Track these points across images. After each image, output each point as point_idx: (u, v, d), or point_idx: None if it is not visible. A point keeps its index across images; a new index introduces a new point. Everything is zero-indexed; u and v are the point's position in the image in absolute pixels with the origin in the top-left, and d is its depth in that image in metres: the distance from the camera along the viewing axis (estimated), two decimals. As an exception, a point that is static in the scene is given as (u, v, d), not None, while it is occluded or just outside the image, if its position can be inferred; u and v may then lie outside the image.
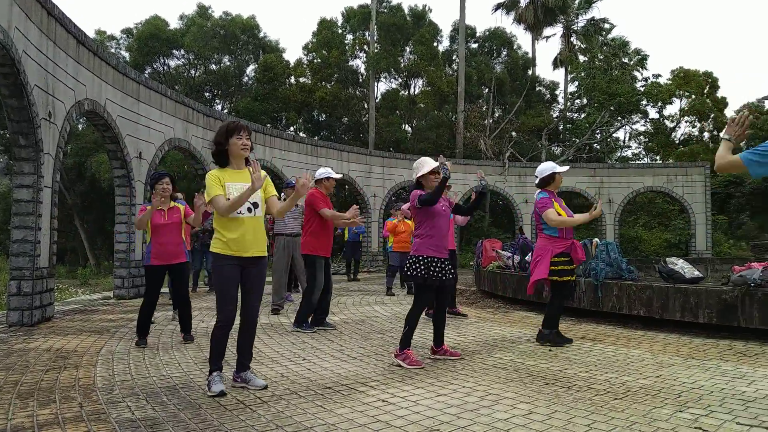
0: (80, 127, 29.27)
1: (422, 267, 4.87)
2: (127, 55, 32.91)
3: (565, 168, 5.99)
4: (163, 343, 6.11)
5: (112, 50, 32.30)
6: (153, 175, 6.14)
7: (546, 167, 5.91)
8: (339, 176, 7.47)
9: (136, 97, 11.80)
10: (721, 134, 3.45)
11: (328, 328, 6.90)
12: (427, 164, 5.04)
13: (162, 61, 33.71)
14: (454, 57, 35.22)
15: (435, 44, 34.64)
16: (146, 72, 31.58)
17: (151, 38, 31.36)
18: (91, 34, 28.75)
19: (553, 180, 5.85)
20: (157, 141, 12.62)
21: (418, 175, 5.04)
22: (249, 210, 4.11)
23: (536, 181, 5.96)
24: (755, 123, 37.86)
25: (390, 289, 11.18)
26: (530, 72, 35.98)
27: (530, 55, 37.33)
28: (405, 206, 8.69)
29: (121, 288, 11.18)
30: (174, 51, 33.33)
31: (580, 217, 5.79)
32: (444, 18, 63.71)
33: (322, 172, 7.09)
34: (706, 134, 39.21)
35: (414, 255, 4.93)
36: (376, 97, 33.73)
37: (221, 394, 3.95)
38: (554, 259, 5.67)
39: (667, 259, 7.16)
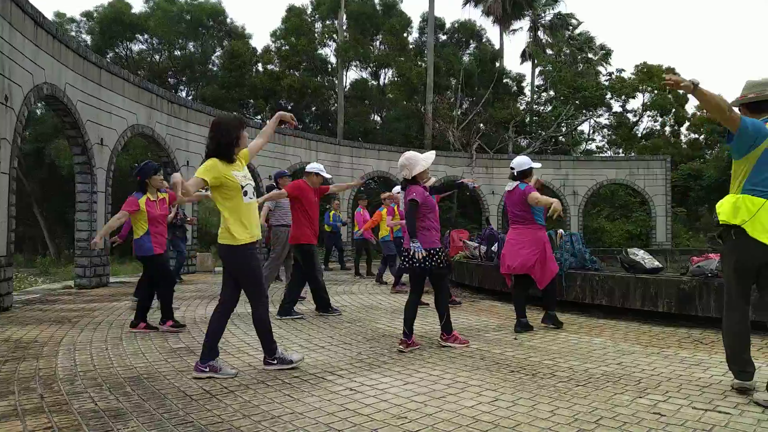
0: (39, 112, 28.35)
1: (439, 257, 5.10)
2: (88, 38, 31.94)
3: (538, 165, 6.25)
4: (126, 332, 6.00)
5: (73, 33, 31.30)
6: (148, 165, 6.23)
7: (524, 160, 6.10)
8: (329, 176, 7.61)
9: (98, 82, 11.47)
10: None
11: (296, 317, 6.88)
12: (421, 160, 5.17)
13: (125, 45, 32.82)
14: (423, 49, 35.23)
15: (405, 35, 34.56)
16: (108, 56, 30.69)
17: (114, 22, 30.49)
18: (49, 16, 27.83)
19: (531, 173, 6.06)
20: (119, 127, 12.30)
21: (416, 173, 5.14)
22: (251, 195, 4.28)
23: (513, 173, 6.04)
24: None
25: (381, 276, 11.33)
26: (498, 64, 36.19)
27: (498, 47, 37.61)
28: (396, 193, 8.58)
29: (83, 277, 10.91)
30: (137, 35, 32.47)
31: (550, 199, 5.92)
32: (414, 9, 63.80)
33: (314, 166, 7.16)
34: (667, 128, 40.16)
35: (428, 248, 5.06)
36: (345, 87, 33.52)
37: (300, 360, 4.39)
38: None
39: (628, 249, 7.34)
